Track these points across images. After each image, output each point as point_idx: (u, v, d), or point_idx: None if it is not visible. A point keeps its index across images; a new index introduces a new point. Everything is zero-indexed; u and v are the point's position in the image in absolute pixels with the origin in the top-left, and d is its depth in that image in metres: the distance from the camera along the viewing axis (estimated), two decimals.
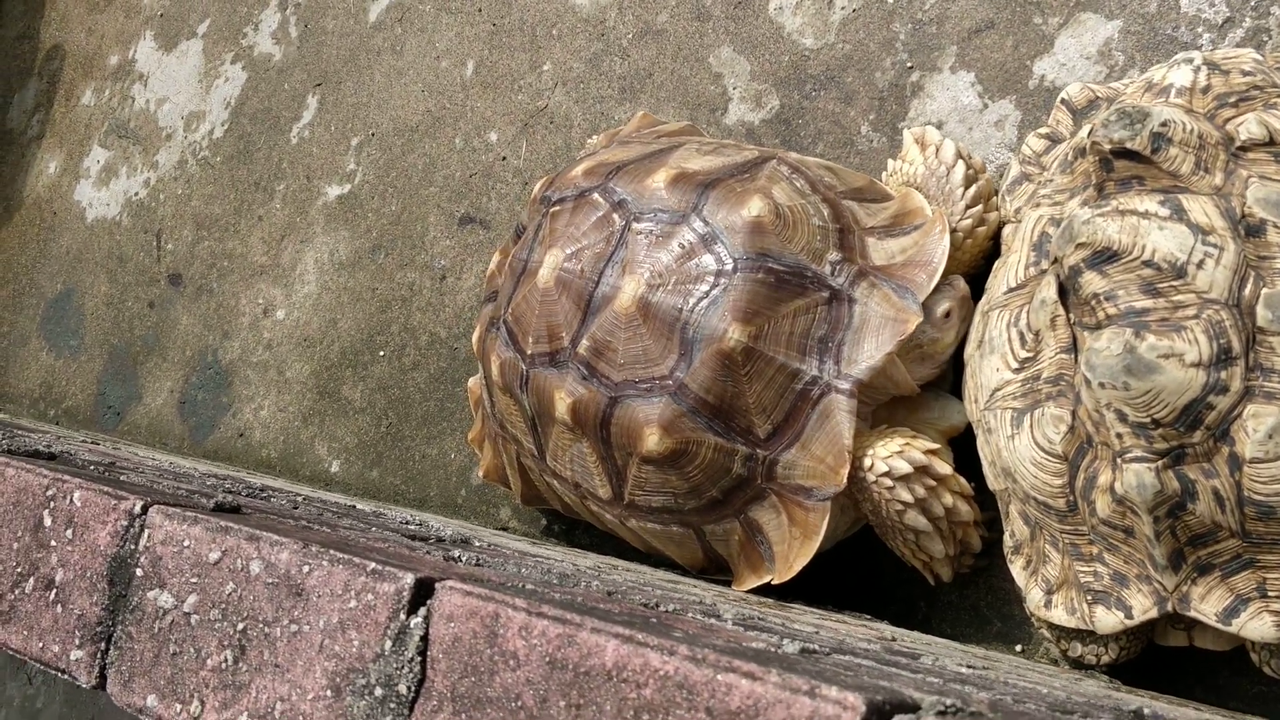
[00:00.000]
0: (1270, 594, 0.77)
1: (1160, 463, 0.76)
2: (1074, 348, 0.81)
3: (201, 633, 0.69)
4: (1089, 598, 0.83)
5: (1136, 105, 0.82)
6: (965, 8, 1.11)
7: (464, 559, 0.75)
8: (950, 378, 1.00)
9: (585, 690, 0.53)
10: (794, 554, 0.95)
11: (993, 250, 0.99)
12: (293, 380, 1.57)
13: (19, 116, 2.18)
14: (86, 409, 1.86)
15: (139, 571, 0.74)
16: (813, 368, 0.94)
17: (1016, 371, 0.86)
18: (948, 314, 0.95)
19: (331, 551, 0.64)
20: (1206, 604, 0.78)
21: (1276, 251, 0.76)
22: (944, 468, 0.92)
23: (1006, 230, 0.95)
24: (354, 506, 1.10)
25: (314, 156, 1.65)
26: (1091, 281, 0.79)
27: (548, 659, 0.55)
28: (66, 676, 0.75)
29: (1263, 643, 0.79)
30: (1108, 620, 0.82)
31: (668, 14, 1.33)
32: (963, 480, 0.93)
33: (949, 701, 0.47)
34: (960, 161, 0.99)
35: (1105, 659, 0.86)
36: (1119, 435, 0.77)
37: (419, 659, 0.59)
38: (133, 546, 0.75)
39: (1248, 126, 0.80)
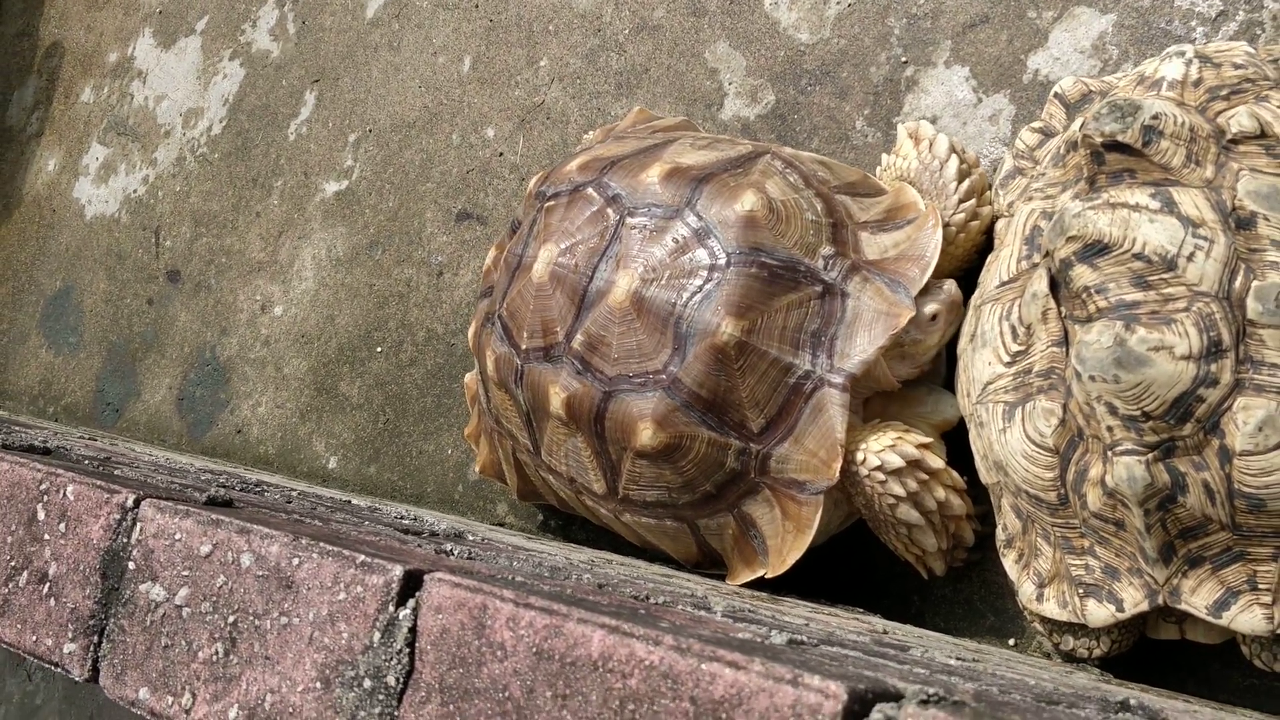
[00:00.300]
0: (1261, 587, 0.77)
1: (1150, 456, 0.76)
2: (1065, 341, 0.81)
3: (193, 625, 0.69)
4: (1080, 591, 0.83)
5: (1128, 98, 0.82)
6: (960, 2, 1.11)
7: (456, 552, 0.76)
8: (943, 372, 1.01)
9: (571, 680, 0.53)
10: (787, 548, 0.95)
11: (986, 245, 0.99)
12: (290, 377, 1.57)
13: (18, 114, 2.18)
14: (85, 406, 1.86)
15: (131, 565, 0.74)
16: (805, 362, 0.94)
17: (1008, 365, 0.86)
18: (934, 317, 0.95)
19: (321, 544, 0.65)
20: (1197, 597, 0.78)
21: (1267, 244, 0.76)
22: (936, 461, 0.92)
23: (999, 224, 0.95)
24: (349, 502, 1.10)
25: (312, 153, 1.65)
26: (1082, 275, 0.79)
27: (535, 650, 0.55)
28: (60, 670, 0.76)
29: (1253, 635, 0.79)
30: (1099, 613, 0.82)
31: (664, 9, 1.33)
32: (955, 474, 0.93)
33: (932, 690, 0.47)
34: (953, 156, 0.99)
35: (1097, 652, 0.86)
36: (1109, 428, 0.77)
37: (407, 650, 0.59)
38: (125, 540, 0.75)
39: (1239, 119, 0.80)
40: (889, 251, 0.98)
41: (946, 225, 0.97)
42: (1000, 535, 0.91)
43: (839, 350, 0.94)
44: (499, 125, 1.45)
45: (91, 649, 0.74)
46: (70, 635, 0.76)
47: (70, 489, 0.79)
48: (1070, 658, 0.89)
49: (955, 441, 0.97)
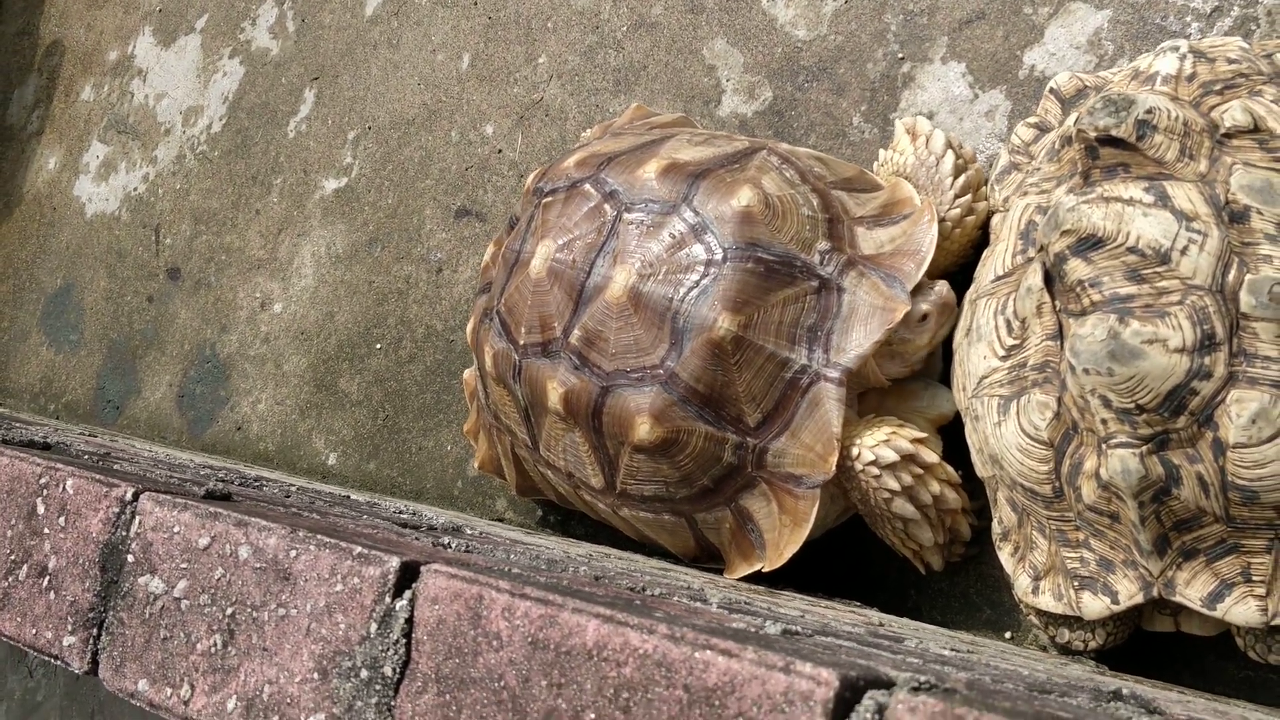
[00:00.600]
0: (1254, 578, 0.77)
1: (1145, 448, 0.77)
2: (1060, 335, 0.82)
3: (191, 618, 0.69)
4: (1075, 583, 0.84)
5: (1122, 93, 0.82)
6: None
7: (454, 545, 0.76)
8: (939, 367, 1.01)
9: (566, 669, 0.54)
10: (784, 541, 0.96)
11: (982, 240, 0.99)
12: (290, 373, 1.58)
13: (19, 112, 2.18)
14: (86, 403, 1.86)
15: (130, 558, 0.74)
16: (802, 356, 0.95)
17: (1003, 359, 0.86)
18: (925, 317, 0.95)
19: (319, 536, 0.65)
20: (1191, 589, 0.79)
21: (1260, 237, 0.76)
22: (931, 456, 0.92)
23: (995, 219, 0.96)
24: (348, 497, 1.10)
25: (311, 150, 1.66)
26: (1077, 268, 0.79)
27: (530, 639, 0.55)
28: (60, 662, 0.76)
29: (1247, 627, 0.79)
30: (1094, 606, 0.83)
31: (662, 6, 1.34)
32: (950, 468, 0.94)
33: (923, 678, 0.48)
34: (950, 152, 1.00)
35: (1092, 644, 0.87)
36: (1104, 421, 0.77)
37: (404, 641, 0.60)
38: (124, 533, 0.75)
39: (1232, 113, 0.80)
40: (885, 246, 0.98)
41: (942, 220, 0.97)
42: (996, 529, 0.91)
43: (835, 345, 0.95)
44: (498, 122, 1.45)
45: (91, 641, 0.75)
46: (70, 628, 0.76)
47: (70, 483, 0.80)
48: (1066, 650, 0.90)
49: (951, 436, 0.97)
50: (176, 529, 0.72)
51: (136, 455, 1.09)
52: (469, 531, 0.92)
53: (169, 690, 0.69)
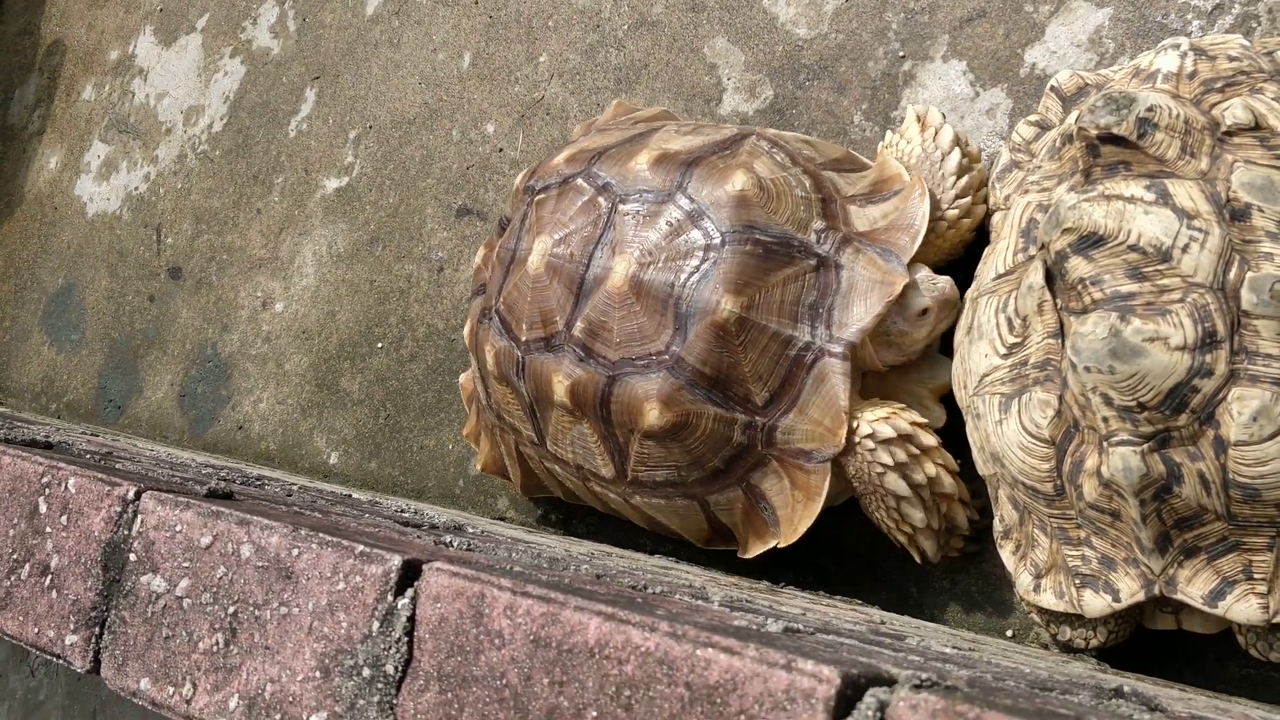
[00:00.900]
0: (1256, 576, 0.77)
1: (1146, 446, 0.77)
2: (1061, 333, 0.82)
3: (193, 616, 0.70)
4: (1077, 581, 0.84)
5: (1123, 91, 0.82)
6: None
7: (455, 544, 0.76)
8: (937, 343, 1.01)
9: (568, 667, 0.54)
10: (798, 517, 0.97)
11: (975, 240, 1.00)
12: (291, 373, 1.58)
13: (20, 112, 2.18)
14: (88, 403, 1.87)
15: (132, 556, 0.74)
16: (805, 333, 0.96)
17: (1004, 357, 0.86)
18: (924, 311, 0.96)
19: (321, 535, 0.65)
20: (1193, 587, 0.79)
21: (1261, 235, 0.76)
22: (929, 439, 0.93)
23: (996, 217, 0.96)
24: (350, 495, 1.10)
25: (312, 149, 1.66)
26: (1078, 266, 0.79)
27: (532, 637, 0.55)
28: (62, 661, 0.76)
29: (1249, 625, 0.79)
30: (1095, 604, 0.83)
31: (663, 5, 1.34)
32: (949, 455, 0.94)
33: (925, 676, 0.48)
34: (956, 149, 1.00)
35: (1094, 642, 0.87)
36: (1105, 419, 0.77)
37: (406, 639, 0.60)
38: (126, 532, 0.75)
39: (1233, 111, 0.80)
40: (878, 222, 0.99)
41: (939, 219, 0.98)
42: (997, 526, 0.91)
43: (837, 320, 0.96)
44: (499, 121, 1.45)
45: (93, 640, 0.75)
46: (72, 627, 0.76)
47: (72, 482, 0.80)
48: (1067, 648, 0.90)
49: (952, 434, 0.97)
50: (178, 528, 0.72)
51: (138, 454, 1.10)
52: (471, 530, 0.92)
53: (171, 689, 0.69)
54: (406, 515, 0.95)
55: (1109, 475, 0.78)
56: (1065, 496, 0.83)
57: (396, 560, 0.61)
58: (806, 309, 0.96)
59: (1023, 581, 0.88)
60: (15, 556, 0.82)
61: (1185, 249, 0.76)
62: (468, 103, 1.49)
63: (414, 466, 1.41)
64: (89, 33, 2.11)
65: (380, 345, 1.49)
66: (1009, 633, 0.97)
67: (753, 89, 1.24)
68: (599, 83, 1.37)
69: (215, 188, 1.78)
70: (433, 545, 0.71)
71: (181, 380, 1.72)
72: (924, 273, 0.97)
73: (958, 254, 1.01)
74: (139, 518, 0.75)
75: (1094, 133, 0.81)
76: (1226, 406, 0.75)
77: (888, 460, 0.92)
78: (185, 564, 0.71)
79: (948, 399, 0.99)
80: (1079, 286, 0.79)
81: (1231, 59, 0.85)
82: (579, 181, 1.07)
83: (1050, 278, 0.83)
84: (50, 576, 0.79)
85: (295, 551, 0.65)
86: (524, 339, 1.06)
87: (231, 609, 0.68)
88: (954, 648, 0.70)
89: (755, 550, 1.01)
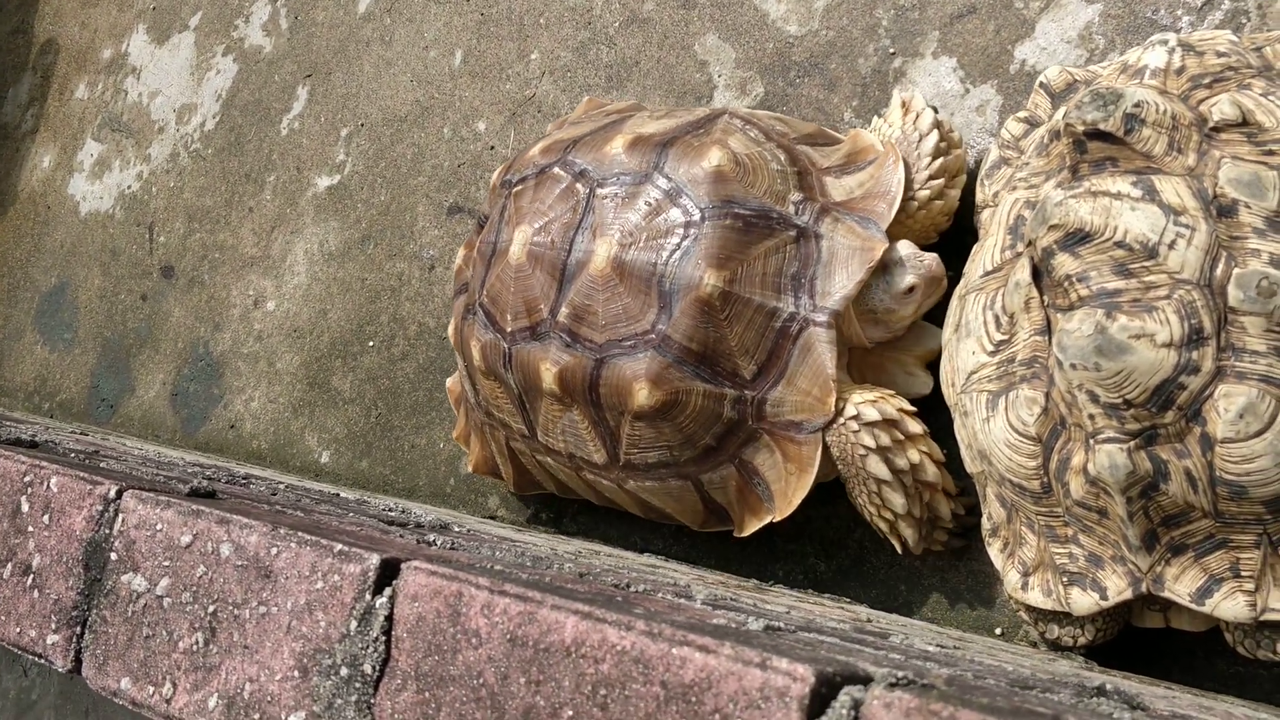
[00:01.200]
0: (1243, 574, 0.77)
1: (1132, 443, 0.76)
2: (1048, 330, 0.81)
3: (174, 615, 0.69)
4: (1065, 579, 0.83)
5: (1110, 87, 0.82)
6: None
7: (439, 543, 0.76)
8: (927, 337, 1.02)
9: (545, 667, 0.53)
10: (791, 489, 0.97)
11: (953, 230, 1.00)
12: (283, 371, 1.57)
13: (13, 111, 2.18)
14: (80, 402, 1.86)
15: (113, 556, 0.74)
16: (789, 304, 0.96)
17: (992, 354, 0.86)
18: (911, 289, 0.96)
19: (300, 534, 0.65)
20: (1180, 585, 0.78)
21: (1248, 231, 0.76)
22: (915, 426, 0.94)
23: (984, 214, 0.95)
24: (338, 494, 1.10)
25: (304, 147, 1.65)
26: (1064, 263, 0.79)
27: (509, 636, 0.55)
28: (43, 661, 0.76)
29: (1236, 623, 0.79)
30: (1083, 602, 0.82)
31: (654, 2, 1.33)
32: (934, 445, 0.94)
33: (902, 674, 0.47)
34: (935, 132, 1.01)
35: (1082, 640, 0.86)
36: (1091, 416, 0.77)
37: (384, 639, 0.59)
38: (107, 531, 0.75)
39: (1221, 107, 0.80)
40: (855, 192, 1.00)
41: (909, 199, 0.99)
42: (985, 524, 0.91)
43: (820, 289, 0.96)
44: (490, 119, 1.45)
45: (74, 640, 0.74)
46: (54, 626, 0.76)
47: (54, 481, 0.80)
48: (1056, 646, 0.89)
49: (945, 434, 0.97)
50: (159, 526, 0.72)
51: (126, 454, 1.09)
52: (457, 529, 0.92)
53: (151, 688, 0.69)
54: (393, 514, 0.95)
55: (1095, 473, 0.77)
56: (1052, 494, 0.82)
57: (375, 559, 0.61)
58: (789, 280, 0.97)
59: (1011, 579, 0.88)
60: None
61: (1172, 245, 0.76)
62: (459, 100, 1.49)
63: (405, 465, 1.41)
64: (82, 31, 2.10)
65: (371, 344, 1.48)
66: (998, 631, 0.97)
67: (743, 86, 1.24)
68: (590, 80, 1.37)
69: (207, 186, 1.77)
70: (414, 544, 0.71)
71: (174, 379, 1.72)
72: (910, 250, 0.97)
73: (930, 239, 1.01)
74: (120, 517, 0.74)
75: (1081, 129, 0.81)
76: (1213, 403, 0.74)
77: (870, 443, 0.92)
78: (166, 563, 0.71)
79: (939, 392, 0.99)
80: (1065, 283, 0.79)
81: (1220, 55, 0.84)
82: (555, 170, 1.07)
83: (1037, 275, 0.82)
84: (32, 576, 0.78)
85: (274, 550, 0.65)
86: (509, 330, 1.06)
87: (211, 608, 0.67)
88: (938, 646, 0.70)
89: (751, 528, 1.01)
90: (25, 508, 0.81)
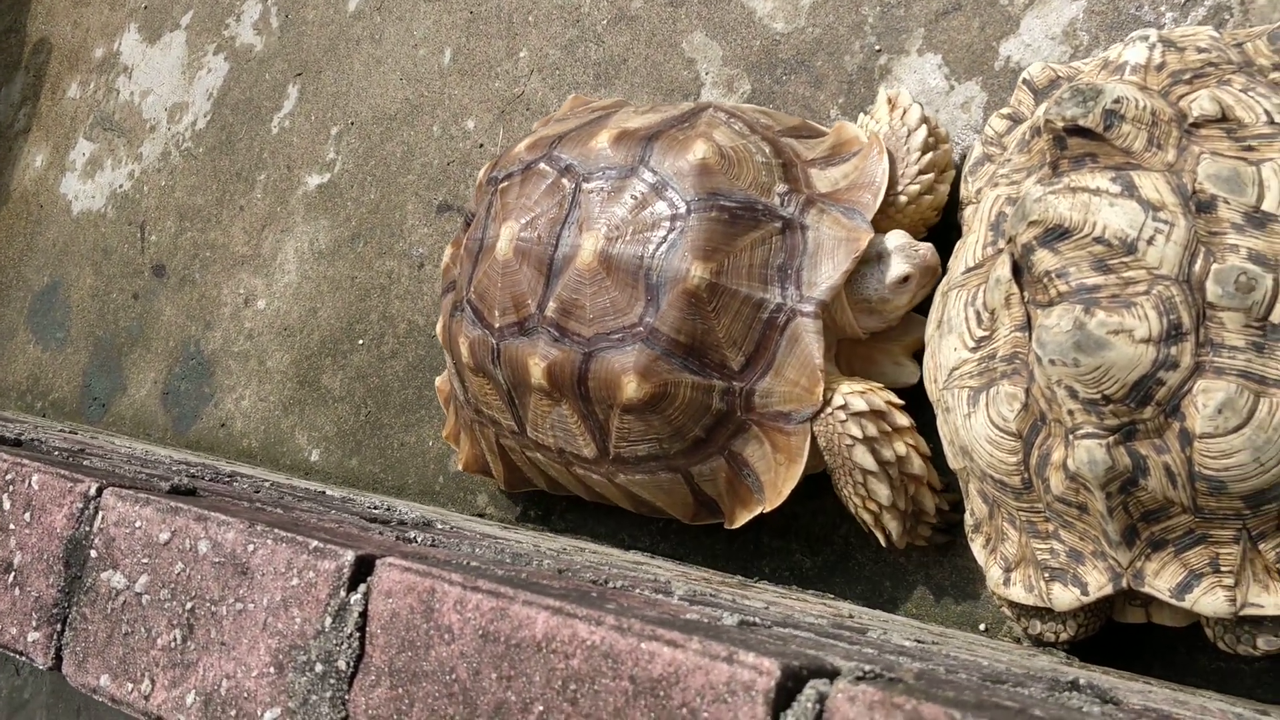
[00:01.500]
0: (1223, 569, 0.77)
1: (1111, 439, 0.76)
2: (1028, 326, 0.81)
3: (152, 612, 0.69)
4: (1046, 575, 0.83)
5: (1090, 83, 0.82)
6: None
7: (419, 540, 0.76)
8: (918, 330, 1.02)
9: (516, 662, 0.53)
10: (781, 480, 0.97)
11: (941, 224, 1.00)
12: (273, 370, 1.57)
13: (6, 110, 2.18)
14: (73, 401, 1.86)
15: (93, 553, 0.74)
16: (775, 295, 0.96)
17: (973, 351, 0.86)
18: (906, 279, 0.97)
19: (276, 530, 0.65)
20: (1160, 580, 0.78)
21: (1227, 227, 0.76)
22: (902, 419, 0.94)
23: (967, 211, 0.95)
24: (323, 492, 1.10)
25: (294, 146, 1.65)
26: (1044, 259, 0.79)
27: (481, 632, 0.55)
28: (24, 658, 0.76)
29: (1216, 618, 0.79)
30: (1064, 597, 0.82)
31: (641, 0, 1.33)
32: (921, 439, 0.95)
33: (869, 668, 0.47)
34: (923, 127, 1.01)
35: (1064, 636, 0.86)
36: (1070, 412, 0.77)
37: (358, 635, 0.60)
38: (88, 528, 0.75)
39: (1200, 103, 0.80)
40: (840, 183, 1.00)
41: (898, 194, 0.99)
42: (968, 520, 0.91)
43: (806, 280, 0.97)
44: (479, 117, 1.45)
45: (55, 637, 0.75)
46: (34, 624, 0.76)
47: (35, 478, 0.80)
48: (1039, 642, 0.90)
49: (930, 431, 0.97)
50: (138, 524, 0.72)
51: (111, 452, 1.09)
52: (440, 526, 0.92)
53: (130, 685, 0.69)
54: (376, 511, 0.95)
55: (1075, 468, 0.78)
56: (1033, 490, 0.82)
57: (349, 556, 0.61)
58: (776, 271, 0.97)
59: (993, 575, 0.88)
60: None
61: (1151, 241, 0.76)
62: (448, 98, 1.49)
63: (394, 463, 1.41)
64: (74, 30, 2.10)
65: (361, 342, 1.49)
66: (982, 626, 0.97)
67: (730, 83, 1.24)
68: (579, 78, 1.37)
69: (199, 185, 1.77)
70: (391, 541, 0.71)
71: (165, 378, 1.72)
72: (905, 239, 0.98)
73: (919, 234, 1.01)
74: (100, 514, 0.74)
75: (1060, 125, 0.81)
76: (1192, 399, 0.75)
77: (857, 433, 0.92)
78: (145, 560, 0.71)
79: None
80: (1045, 279, 0.79)
81: (1200, 51, 0.84)
82: (541, 166, 1.08)
83: (1017, 271, 0.82)
84: (13, 574, 0.79)
85: (251, 547, 0.65)
86: (497, 325, 1.06)
87: (189, 605, 0.67)
88: (916, 641, 0.70)
89: (741, 519, 1.01)
90: (7, 505, 0.81)
